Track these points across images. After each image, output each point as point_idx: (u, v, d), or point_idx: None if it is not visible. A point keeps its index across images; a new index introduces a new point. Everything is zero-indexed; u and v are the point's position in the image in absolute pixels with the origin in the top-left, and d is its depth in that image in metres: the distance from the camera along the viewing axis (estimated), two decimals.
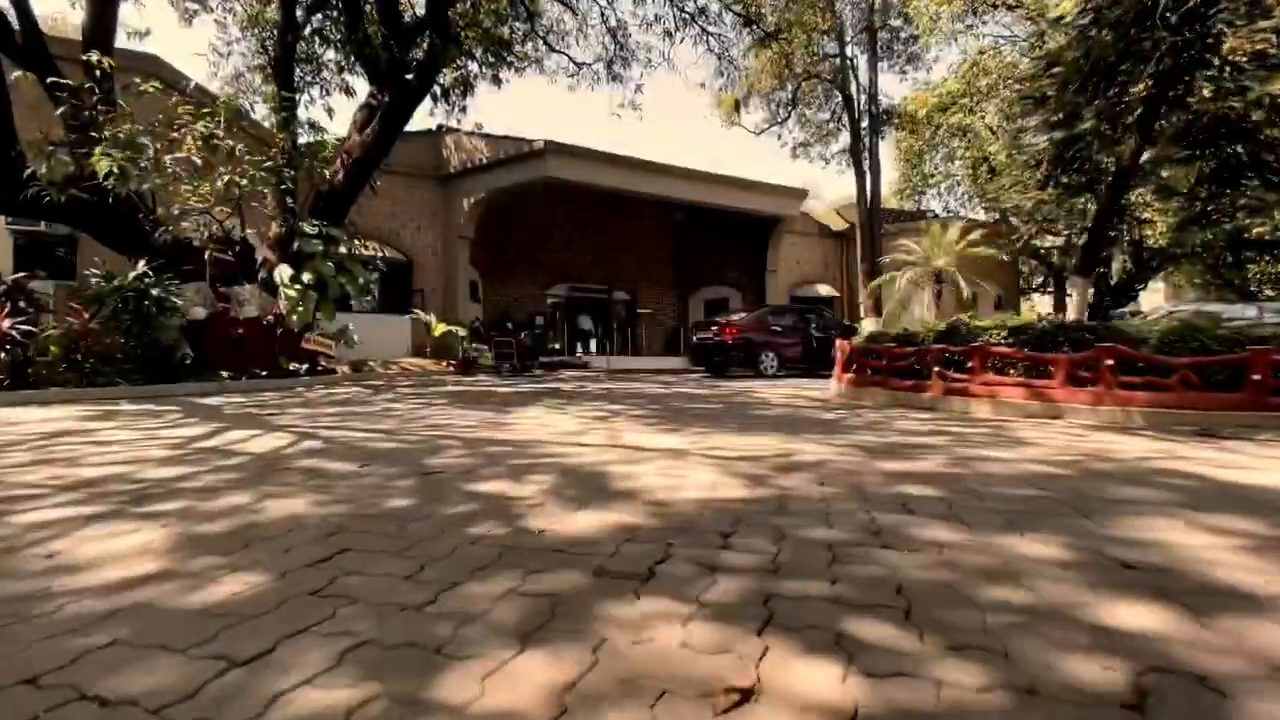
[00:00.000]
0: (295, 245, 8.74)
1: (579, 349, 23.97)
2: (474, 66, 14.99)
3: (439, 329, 14.34)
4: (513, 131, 15.80)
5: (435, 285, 16.59)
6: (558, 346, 17.27)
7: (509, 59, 15.09)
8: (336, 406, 6.29)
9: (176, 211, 8.19)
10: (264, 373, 8.61)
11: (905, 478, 2.86)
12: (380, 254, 11.20)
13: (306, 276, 8.77)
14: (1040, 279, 27.35)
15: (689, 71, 61.94)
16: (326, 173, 9.18)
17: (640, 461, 3.27)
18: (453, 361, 13.97)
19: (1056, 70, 7.04)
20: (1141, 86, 6.80)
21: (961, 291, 18.07)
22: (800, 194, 19.36)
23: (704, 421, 5.12)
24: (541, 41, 14.38)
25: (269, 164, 8.37)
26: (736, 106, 19.69)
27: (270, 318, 8.86)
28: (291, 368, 9.39)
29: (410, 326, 15.21)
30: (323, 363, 10.43)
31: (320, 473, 2.95)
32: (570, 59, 14.72)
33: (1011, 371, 6.23)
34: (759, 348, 12.83)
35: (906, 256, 19.48)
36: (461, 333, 14.51)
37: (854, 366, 7.83)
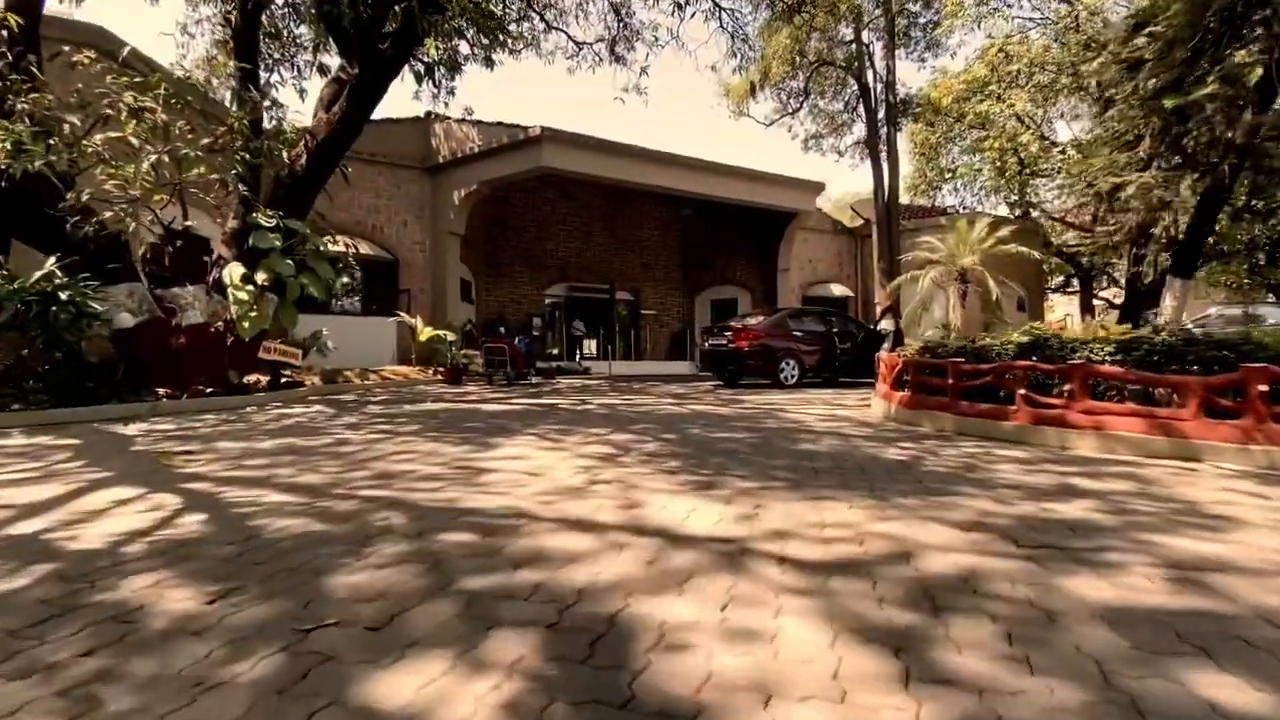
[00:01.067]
0: (250, 241, 7.50)
1: (579, 353, 22.77)
2: (464, 47, 13.76)
3: (425, 333, 13.09)
4: (507, 119, 14.57)
5: (423, 285, 15.34)
6: (555, 352, 16.02)
7: (503, 39, 13.85)
8: (278, 439, 5.04)
9: (105, 199, 6.92)
10: (210, 390, 7.36)
11: (1132, 621, 1.61)
12: (352, 249, 9.90)
13: (261, 276, 7.53)
14: (1062, 279, 26.14)
15: (699, 54, 59.06)
16: (286, 156, 7.92)
17: (681, 581, 2.02)
18: (440, 369, 12.72)
19: (1154, 29, 5.80)
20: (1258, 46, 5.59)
21: (992, 293, 16.82)
22: (817, 187, 18.11)
23: (744, 469, 3.88)
24: (538, 18, 13.12)
25: (213, 144, 7.14)
26: (753, 90, 18.17)
27: (219, 325, 7.61)
28: (246, 382, 8.14)
29: (396, 330, 13.96)
30: (287, 374, 9.18)
31: (126, 622, 1.70)
32: (569, 37, 13.48)
33: (1118, 396, 4.99)
34: (779, 355, 11.59)
35: (930, 254, 18.23)
36: (450, 337, 13.26)
37: (905, 383, 6.59)
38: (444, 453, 4.42)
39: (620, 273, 21.43)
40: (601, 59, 13.76)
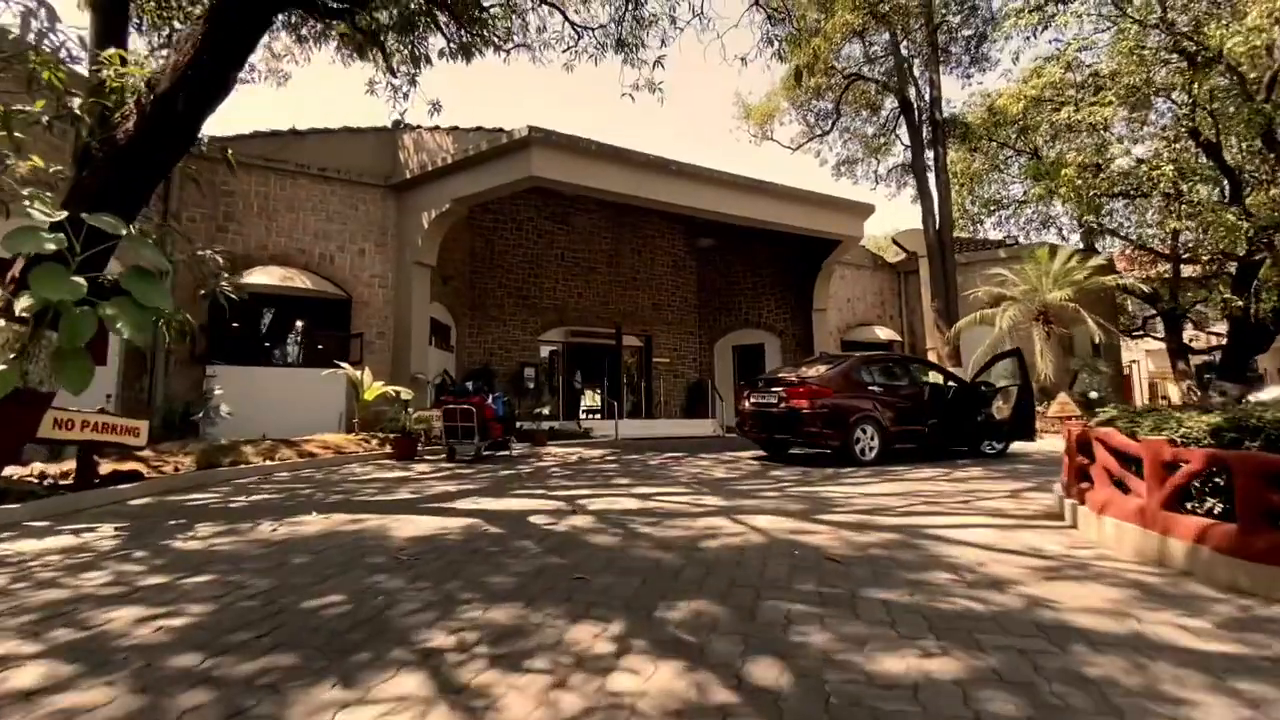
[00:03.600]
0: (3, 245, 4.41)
1: (582, 407, 19.53)
2: (438, 39, 11.09)
3: (371, 390, 9.89)
4: (488, 125, 11.75)
5: (382, 329, 12.25)
6: (546, 411, 12.78)
7: (486, 35, 11.21)
8: None
9: None
10: None
11: None
12: (217, 272, 6.68)
13: (23, 304, 4.43)
14: (1142, 320, 22.92)
15: (727, 41, 53.86)
16: (87, 120, 4.89)
17: None
18: (392, 437, 9.44)
19: None
20: None
21: (1094, 335, 13.64)
22: (865, 210, 15.16)
23: None
24: None
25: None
26: (799, 79, 14.82)
27: None
28: (12, 477, 4.90)
29: (344, 387, 10.76)
30: (115, 457, 5.95)
31: None
32: (566, 18, 10.75)
33: None
34: (852, 419, 8.29)
35: (1003, 290, 15.10)
36: (406, 395, 10.06)
37: (1185, 494, 3.27)
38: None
39: (628, 315, 18.37)
40: (606, 45, 11.01)
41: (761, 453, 10.08)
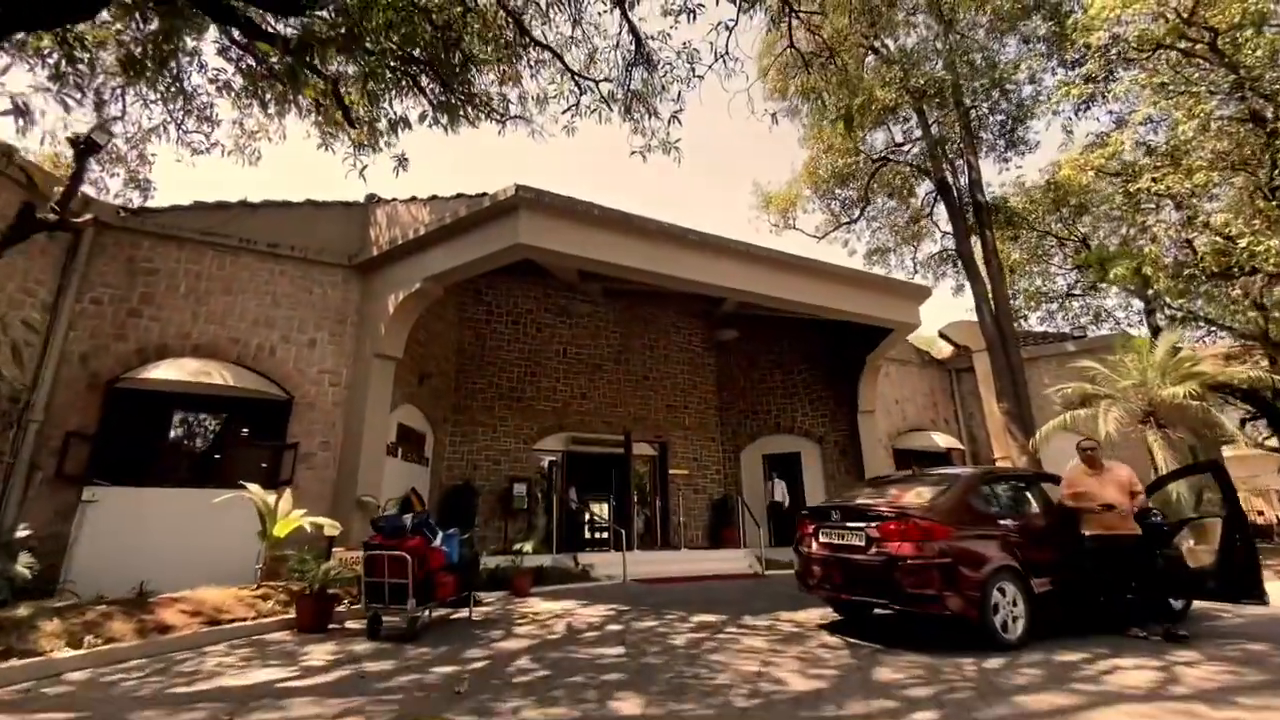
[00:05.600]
0: None
1: (585, 521, 16.49)
2: (420, 101, 9.48)
3: (284, 524, 7.14)
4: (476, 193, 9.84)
5: (327, 437, 9.69)
6: (526, 547, 9.82)
7: (472, 111, 9.63)
8: None
9: None
10: None
11: None
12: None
13: None
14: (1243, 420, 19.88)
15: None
16: None
17: None
18: (309, 592, 6.53)
19: None
20: None
21: (1227, 431, 10.80)
22: (922, 293, 12.88)
23: None
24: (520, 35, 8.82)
25: None
26: (849, 124, 12.90)
27: None
28: None
29: (259, 517, 7.99)
30: None
31: None
32: (565, 65, 9.06)
33: None
34: (987, 572, 5.41)
35: (1090, 387, 12.43)
36: (333, 529, 7.31)
37: None
38: None
39: (639, 418, 15.76)
40: (615, 97, 9.27)
41: (829, 611, 7.07)
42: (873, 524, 5.69)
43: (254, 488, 7.29)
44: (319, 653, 5.35)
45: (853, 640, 5.79)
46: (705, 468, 16.48)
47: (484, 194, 9.24)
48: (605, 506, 16.48)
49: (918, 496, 5.92)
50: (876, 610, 6.53)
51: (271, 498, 7.40)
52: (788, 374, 16.18)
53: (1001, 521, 5.81)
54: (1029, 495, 6.45)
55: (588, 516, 16.54)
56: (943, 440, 15.84)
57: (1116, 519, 5.77)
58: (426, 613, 6.28)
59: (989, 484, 6.18)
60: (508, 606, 7.82)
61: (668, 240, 9.87)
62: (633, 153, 9.49)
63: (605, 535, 15.77)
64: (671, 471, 15.84)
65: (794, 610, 7.40)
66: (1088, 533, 5.91)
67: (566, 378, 15.35)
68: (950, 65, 15.24)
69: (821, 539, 6.17)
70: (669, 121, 9.54)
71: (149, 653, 5.23)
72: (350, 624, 6.65)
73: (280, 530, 7.11)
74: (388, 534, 5.94)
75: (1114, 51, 13.35)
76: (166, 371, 8.51)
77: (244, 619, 6.23)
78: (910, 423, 16.28)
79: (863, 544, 5.72)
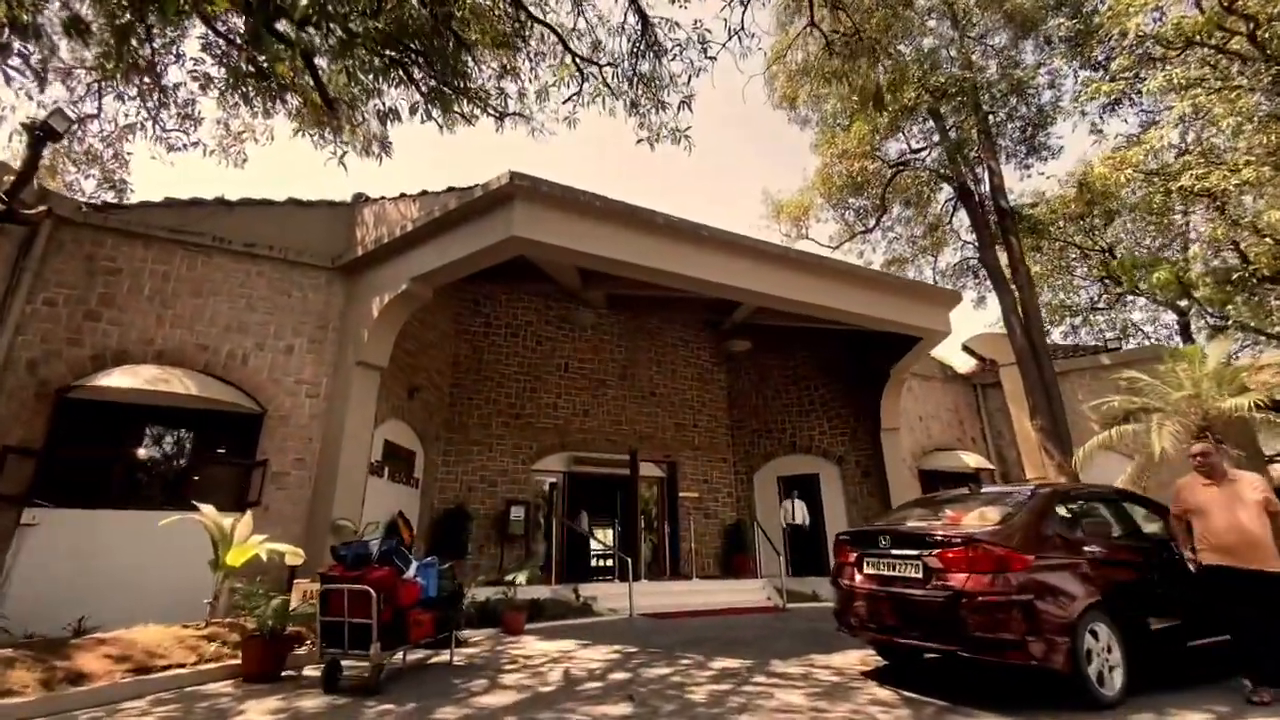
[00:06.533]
0: None
1: (593, 556, 15.48)
2: (412, 92, 8.82)
3: (238, 552, 6.19)
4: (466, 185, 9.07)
5: (303, 454, 8.77)
6: (520, 579, 8.77)
7: (468, 105, 8.98)
8: None
9: None
10: None
11: None
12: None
13: None
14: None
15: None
16: None
17: None
18: (259, 633, 5.52)
19: None
20: None
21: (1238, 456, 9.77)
22: (951, 298, 11.97)
23: None
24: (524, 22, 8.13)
25: None
26: (880, 100, 11.83)
27: None
28: None
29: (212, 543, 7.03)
30: None
31: None
32: (565, 44, 8.35)
33: None
34: (1077, 612, 4.40)
35: (1135, 400, 11.43)
36: (295, 557, 6.35)
37: None
38: None
39: (646, 437, 14.80)
40: (619, 83, 8.54)
41: (869, 653, 6.04)
42: (932, 552, 4.70)
43: (207, 509, 6.36)
44: (256, 712, 4.36)
45: (908, 694, 4.76)
46: (716, 490, 15.43)
47: (476, 185, 8.45)
48: (610, 532, 15.45)
49: (982, 518, 4.93)
50: (928, 655, 5.50)
51: (228, 521, 6.46)
52: (804, 389, 15.23)
53: (1087, 548, 4.81)
54: (1115, 516, 5.44)
55: (591, 543, 15.48)
56: (972, 460, 14.77)
57: (1247, 546, 4.71)
58: (401, 656, 5.29)
59: (1067, 502, 5.19)
60: (497, 648, 6.79)
61: (675, 236, 9.03)
62: (639, 141, 8.74)
63: (610, 563, 14.70)
64: (681, 494, 14.81)
65: (828, 652, 6.36)
66: (1206, 562, 4.88)
67: (568, 393, 14.44)
68: (967, 64, 14.58)
69: (867, 569, 5.17)
70: (678, 108, 8.81)
71: (46, 711, 4.26)
72: (310, 670, 5.65)
73: (234, 559, 6.16)
74: (350, 564, 4.98)
75: (1140, 51, 12.65)
76: (120, 379, 7.64)
77: (181, 665, 5.25)
78: (935, 441, 15.23)
79: (919, 576, 4.73)
